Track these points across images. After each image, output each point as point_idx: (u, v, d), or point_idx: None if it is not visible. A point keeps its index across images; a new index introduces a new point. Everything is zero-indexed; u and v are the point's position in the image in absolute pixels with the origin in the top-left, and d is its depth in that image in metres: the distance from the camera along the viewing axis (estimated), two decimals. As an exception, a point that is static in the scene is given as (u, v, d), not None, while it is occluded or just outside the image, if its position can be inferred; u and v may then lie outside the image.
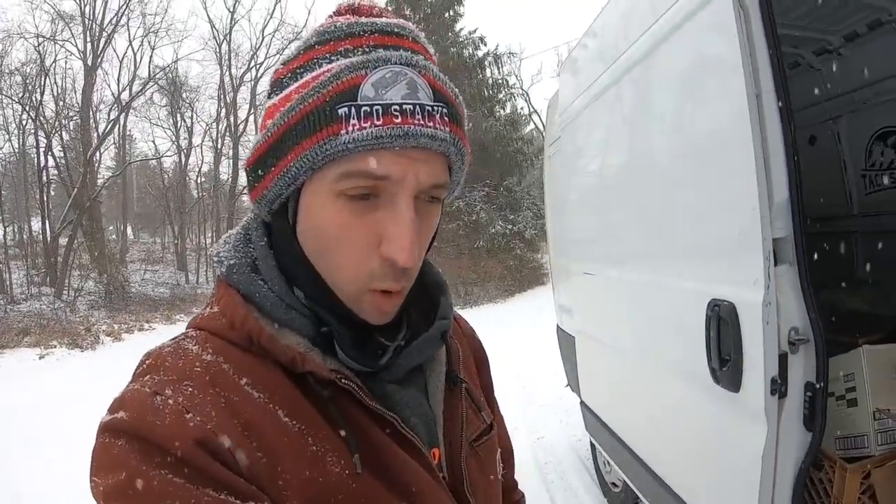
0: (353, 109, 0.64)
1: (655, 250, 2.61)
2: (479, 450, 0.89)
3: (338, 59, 0.69)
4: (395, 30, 0.72)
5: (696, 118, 2.18)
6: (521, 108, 23.36)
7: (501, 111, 21.00)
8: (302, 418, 0.69)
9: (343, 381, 0.70)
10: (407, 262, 0.67)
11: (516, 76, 27.68)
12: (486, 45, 20.27)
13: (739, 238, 1.84)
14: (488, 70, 20.45)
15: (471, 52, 20.19)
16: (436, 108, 0.68)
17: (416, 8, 19.67)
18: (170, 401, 0.63)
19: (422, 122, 0.66)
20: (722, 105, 1.94)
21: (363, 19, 0.72)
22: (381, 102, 0.65)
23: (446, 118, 0.69)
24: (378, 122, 0.64)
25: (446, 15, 20.08)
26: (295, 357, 0.70)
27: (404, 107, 0.65)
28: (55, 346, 13.20)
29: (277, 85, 0.74)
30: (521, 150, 20.12)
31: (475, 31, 20.31)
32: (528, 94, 22.99)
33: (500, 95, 20.87)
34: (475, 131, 18.51)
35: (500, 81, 20.72)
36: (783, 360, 1.75)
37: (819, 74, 3.49)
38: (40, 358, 12.27)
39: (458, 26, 20.55)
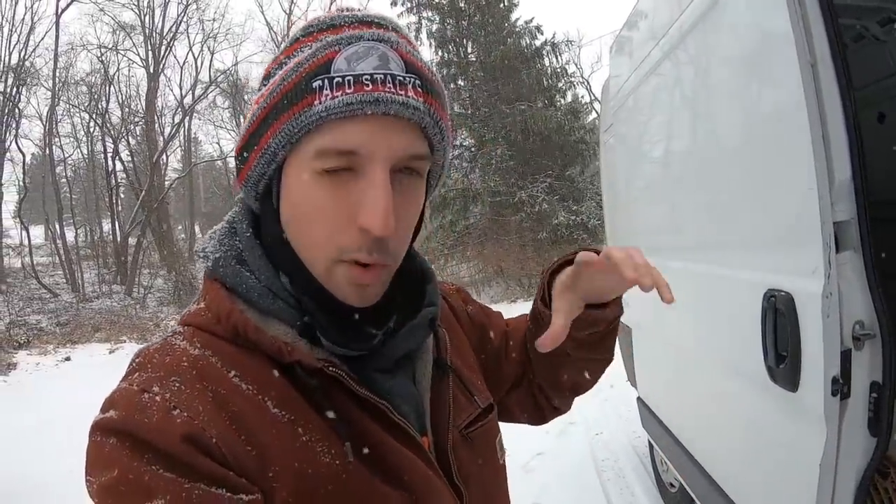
0: (326, 81, 0.67)
1: (708, 237, 2.46)
2: (471, 436, 0.90)
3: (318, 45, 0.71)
4: (375, 19, 0.73)
5: (747, 93, 2.02)
6: (582, 97, 22.91)
7: (562, 100, 20.69)
8: (291, 409, 0.70)
9: (331, 369, 0.71)
10: (383, 229, 0.67)
11: (576, 64, 27.18)
12: (542, 34, 19.95)
13: (797, 222, 1.68)
14: (546, 59, 20.15)
15: (528, 41, 19.92)
16: (408, 78, 0.69)
17: (470, 0, 19.52)
18: (157, 398, 0.64)
19: (393, 90, 0.68)
20: (775, 77, 1.77)
21: (345, 13, 0.74)
22: (352, 73, 0.67)
23: (419, 89, 0.70)
24: (349, 91, 0.66)
25: (501, 5, 19.84)
26: (281, 347, 0.71)
27: (375, 76, 0.67)
28: (125, 341, 13.65)
29: (266, 78, 0.76)
30: (584, 140, 19.75)
31: (531, 20, 19.98)
32: (588, 82, 22.51)
33: (560, 84, 20.56)
34: (535, 121, 18.27)
35: (558, 70, 20.38)
36: (846, 356, 1.58)
37: (885, 47, 3.23)
38: (110, 352, 12.68)
39: (513, 16, 20.32)
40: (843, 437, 1.58)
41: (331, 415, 0.71)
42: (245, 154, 0.75)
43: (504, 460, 0.99)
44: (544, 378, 1.10)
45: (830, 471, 1.59)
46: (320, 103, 0.66)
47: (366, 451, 0.72)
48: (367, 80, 0.67)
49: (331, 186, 0.69)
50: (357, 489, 0.70)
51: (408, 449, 0.76)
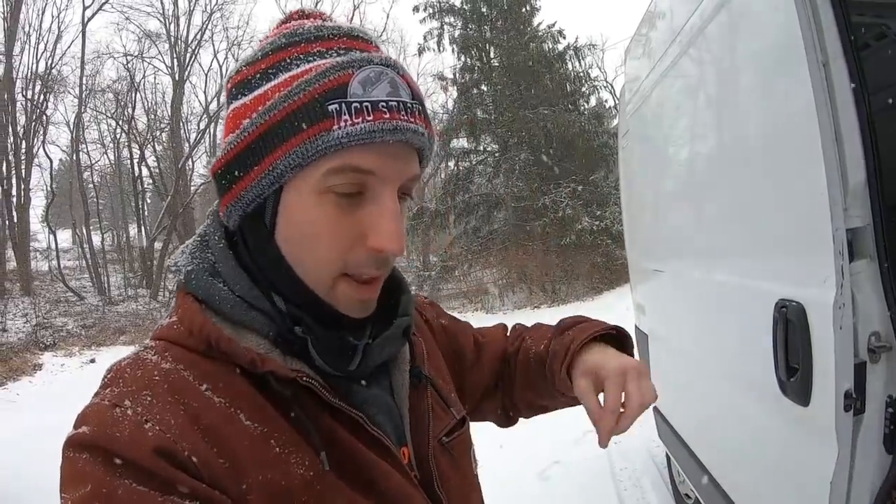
0: (343, 106, 0.68)
1: (720, 244, 2.39)
2: (449, 447, 0.90)
3: (315, 60, 0.71)
4: (360, 34, 0.76)
5: (758, 96, 1.95)
6: (606, 101, 22.72)
7: (585, 105, 20.56)
8: (264, 420, 0.70)
9: (304, 379, 0.70)
10: (399, 250, 0.71)
11: (599, 68, 26.91)
12: (565, 38, 19.82)
13: (809, 229, 1.61)
14: (569, 64, 20.02)
15: (550, 46, 19.82)
16: (414, 105, 0.72)
17: (492, 5, 19.47)
18: (129, 412, 0.63)
19: (406, 118, 0.71)
20: (786, 78, 1.71)
21: (328, 23, 0.76)
22: (369, 99, 0.69)
23: (421, 115, 0.74)
24: (369, 118, 0.68)
25: (523, 10, 19.73)
26: (254, 358, 0.70)
27: (390, 103, 0.70)
28: (149, 345, 13.78)
29: (245, 86, 0.74)
30: (608, 144, 19.56)
31: (553, 24, 19.85)
32: (612, 86, 22.29)
33: (584, 89, 20.42)
34: (558, 126, 18.16)
35: (581, 75, 20.25)
36: (860, 369, 1.51)
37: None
38: (135, 355, 12.80)
39: (535, 21, 20.23)
40: (857, 454, 1.52)
41: (305, 425, 0.70)
42: (237, 173, 0.72)
43: (477, 471, 1.00)
44: (522, 400, 1.14)
45: (843, 489, 1.52)
46: (340, 128, 0.67)
47: (340, 461, 0.72)
48: (383, 107, 0.69)
49: (338, 207, 0.71)
50: (331, 499, 0.70)
51: (383, 459, 0.76)
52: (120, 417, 0.63)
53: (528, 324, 1.23)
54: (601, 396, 0.90)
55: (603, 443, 0.87)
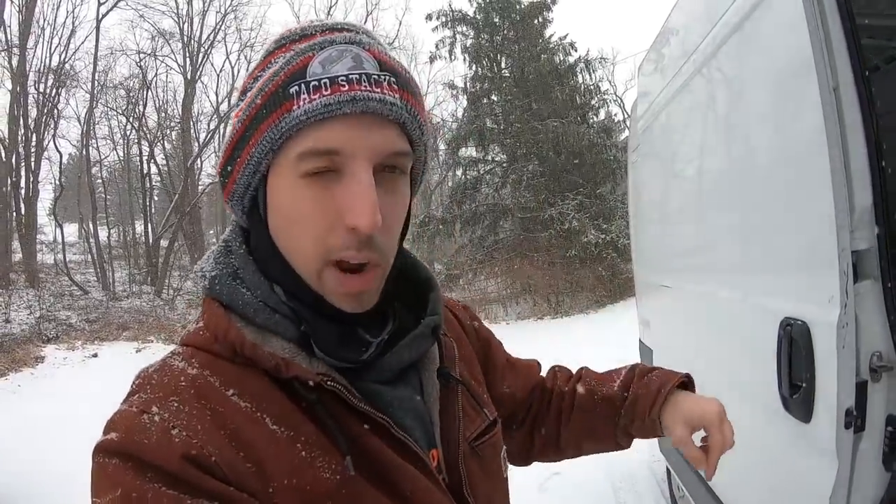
0: (302, 86, 0.68)
1: (727, 262, 2.42)
2: (480, 449, 0.89)
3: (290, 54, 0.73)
4: (345, 25, 0.76)
5: (769, 118, 1.98)
6: (615, 115, 22.72)
7: (594, 118, 20.55)
8: (290, 424, 0.70)
9: (329, 383, 0.70)
10: (370, 225, 0.68)
11: (609, 81, 26.89)
12: (576, 50, 19.85)
13: (815, 250, 1.64)
14: (580, 76, 20.05)
15: (561, 58, 19.85)
16: (382, 76, 0.71)
17: (505, 15, 19.54)
18: (156, 418, 0.65)
19: (369, 88, 0.69)
20: (796, 101, 1.74)
21: (315, 22, 0.77)
22: (328, 76, 0.69)
23: (394, 85, 0.72)
24: (326, 93, 0.68)
25: (535, 21, 19.79)
26: (279, 363, 0.70)
27: (350, 76, 0.69)
28: (152, 341, 13.83)
29: (242, 93, 0.77)
30: (616, 158, 19.54)
31: (565, 36, 19.88)
32: (621, 100, 22.37)
33: (593, 102, 20.43)
34: (567, 138, 18.17)
35: (592, 88, 20.26)
36: (861, 388, 1.53)
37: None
38: (137, 351, 12.81)
39: (547, 32, 20.28)
40: (856, 471, 1.54)
41: (330, 429, 0.71)
42: (228, 168, 0.76)
43: (507, 475, 0.99)
44: (568, 440, 1.16)
45: (841, 505, 1.55)
46: (299, 107, 0.68)
47: (366, 465, 0.72)
48: (342, 80, 0.69)
49: (315, 189, 0.70)
50: (357, 503, 0.70)
51: (410, 463, 0.75)
52: (147, 424, 0.64)
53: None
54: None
55: (712, 476, 1.00)
